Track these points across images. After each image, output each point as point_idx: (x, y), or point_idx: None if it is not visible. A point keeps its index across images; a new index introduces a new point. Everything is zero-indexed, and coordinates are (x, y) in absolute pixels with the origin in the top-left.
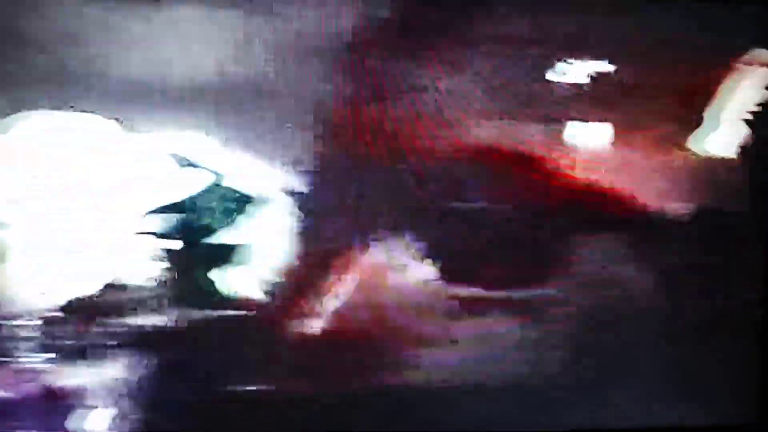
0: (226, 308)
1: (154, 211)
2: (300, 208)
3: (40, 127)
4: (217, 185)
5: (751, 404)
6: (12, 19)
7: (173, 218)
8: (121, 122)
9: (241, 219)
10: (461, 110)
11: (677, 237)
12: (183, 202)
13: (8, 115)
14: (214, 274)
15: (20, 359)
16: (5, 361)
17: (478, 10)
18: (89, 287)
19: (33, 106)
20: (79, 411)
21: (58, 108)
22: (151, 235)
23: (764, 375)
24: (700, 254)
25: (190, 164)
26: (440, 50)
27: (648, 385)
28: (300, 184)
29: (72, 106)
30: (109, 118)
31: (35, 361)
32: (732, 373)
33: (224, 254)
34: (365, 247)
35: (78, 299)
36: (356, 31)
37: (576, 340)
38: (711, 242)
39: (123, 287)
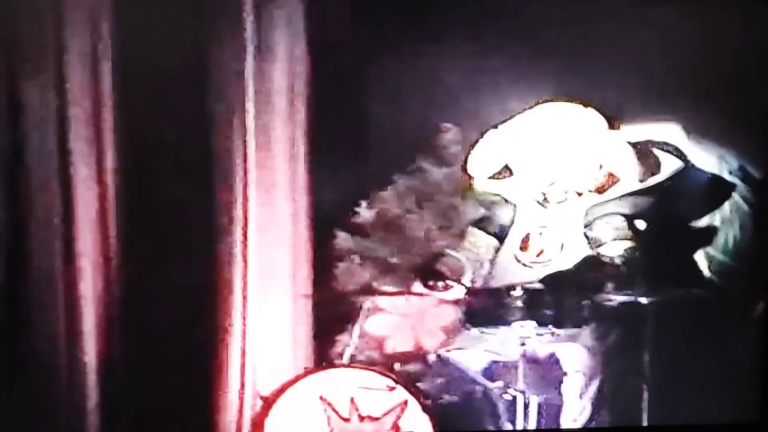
0: (691, 288)
1: (629, 194)
2: (756, 194)
3: (545, 116)
4: (686, 171)
5: (753, 403)
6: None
7: (645, 201)
8: (607, 113)
9: (706, 203)
10: None
11: None
12: (656, 186)
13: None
14: (697, 255)
15: (507, 326)
16: (497, 328)
17: None
18: (568, 262)
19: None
20: (557, 376)
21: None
22: (621, 216)
23: (766, 374)
24: None
25: (663, 151)
26: None
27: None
28: (759, 172)
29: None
30: (590, 107)
31: (520, 328)
32: (734, 372)
33: (697, 236)
34: None
35: (558, 273)
36: None
37: None
38: None
39: (600, 264)
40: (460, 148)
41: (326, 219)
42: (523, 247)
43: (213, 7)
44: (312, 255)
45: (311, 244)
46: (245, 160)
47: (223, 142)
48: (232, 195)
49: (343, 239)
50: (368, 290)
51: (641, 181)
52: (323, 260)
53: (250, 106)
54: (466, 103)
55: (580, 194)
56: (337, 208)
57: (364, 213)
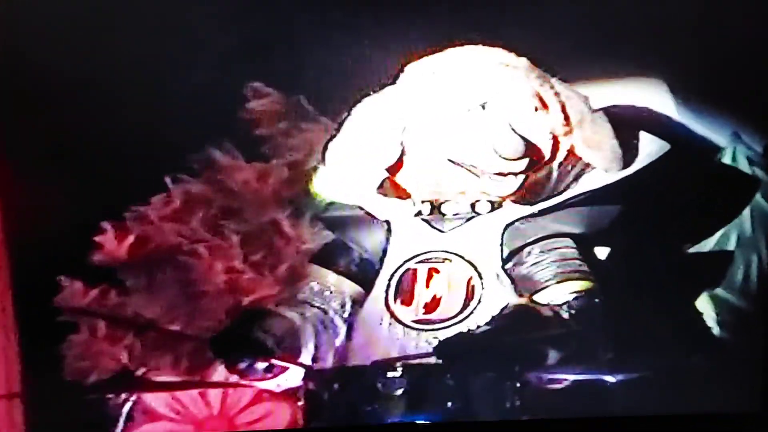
0: (689, 354)
1: (571, 202)
2: None
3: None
4: (676, 158)
5: (755, 392)
6: None
7: (607, 211)
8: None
9: (712, 213)
10: None
11: None
12: (625, 185)
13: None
14: (699, 301)
15: None
16: None
17: None
18: (482, 319)
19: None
20: None
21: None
22: (568, 240)
23: None
24: None
25: (637, 124)
26: None
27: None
28: None
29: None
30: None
31: None
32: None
33: (698, 269)
34: None
35: (465, 339)
36: None
37: None
38: None
39: (536, 320)
40: (287, 125)
41: (41, 259)
42: (405, 296)
43: None
44: (15, 323)
45: (10, 305)
46: None
47: None
48: None
49: (74, 292)
50: (129, 381)
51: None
52: (40, 331)
53: None
54: (293, 54)
55: (495, 204)
56: (62, 239)
57: (111, 244)
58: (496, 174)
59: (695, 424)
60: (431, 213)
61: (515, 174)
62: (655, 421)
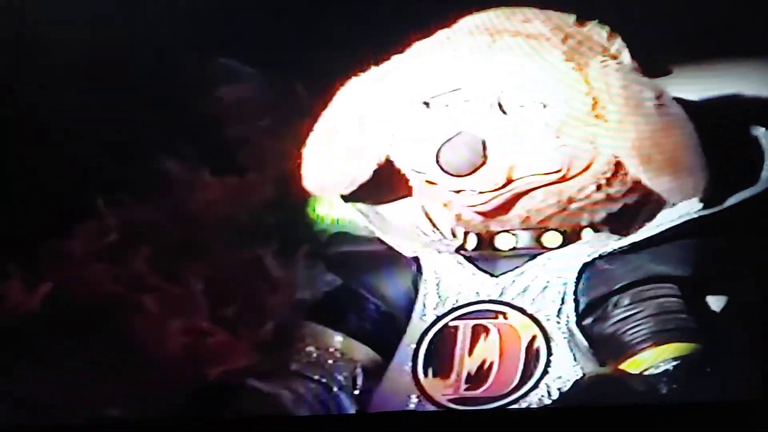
0: None
1: (675, 231)
2: None
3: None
4: None
5: (755, 380)
6: None
7: (721, 246)
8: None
9: None
10: None
11: None
12: (745, 205)
13: None
14: None
15: None
16: None
17: None
18: (547, 395)
19: None
20: None
21: None
22: (670, 287)
23: None
24: None
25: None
26: None
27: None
28: None
29: None
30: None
31: None
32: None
33: None
34: None
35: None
36: None
37: None
38: None
39: (626, 394)
40: (274, 121)
41: None
42: (440, 365)
43: None
44: None
45: None
46: None
47: None
48: None
49: None
50: None
51: (708, 199)
52: None
53: None
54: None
55: (567, 233)
56: None
57: (17, 295)
58: (457, 192)
59: (693, 413)
60: (479, 248)
61: (496, 193)
62: (652, 410)
